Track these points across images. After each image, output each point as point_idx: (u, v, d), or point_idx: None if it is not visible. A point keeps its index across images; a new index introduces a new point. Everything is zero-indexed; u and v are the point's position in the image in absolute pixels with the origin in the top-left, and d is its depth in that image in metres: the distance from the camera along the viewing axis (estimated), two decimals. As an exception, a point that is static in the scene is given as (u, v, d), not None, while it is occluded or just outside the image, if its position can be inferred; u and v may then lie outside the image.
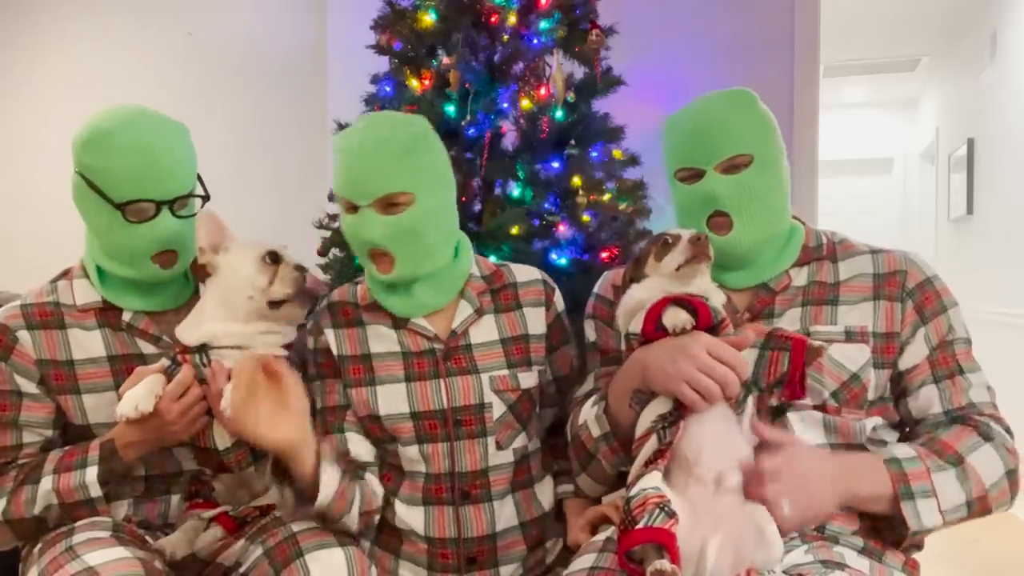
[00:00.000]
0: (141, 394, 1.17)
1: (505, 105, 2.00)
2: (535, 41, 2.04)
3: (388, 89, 2.14)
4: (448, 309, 1.32)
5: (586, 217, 2.07)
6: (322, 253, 2.20)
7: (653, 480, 1.01)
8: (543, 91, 2.05)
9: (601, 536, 1.24)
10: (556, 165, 2.04)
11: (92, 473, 1.22)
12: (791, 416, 1.18)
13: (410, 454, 1.29)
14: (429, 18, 2.06)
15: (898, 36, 4.99)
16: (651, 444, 1.06)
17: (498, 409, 1.29)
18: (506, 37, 2.05)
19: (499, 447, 1.30)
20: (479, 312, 1.33)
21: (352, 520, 1.23)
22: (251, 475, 1.33)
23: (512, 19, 2.03)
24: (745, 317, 1.24)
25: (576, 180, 2.06)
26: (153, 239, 1.25)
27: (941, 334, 1.21)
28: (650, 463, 1.04)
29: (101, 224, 1.27)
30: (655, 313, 1.12)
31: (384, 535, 1.33)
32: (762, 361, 1.17)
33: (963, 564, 3.01)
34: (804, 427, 1.18)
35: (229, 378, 1.17)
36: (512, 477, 1.32)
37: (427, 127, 1.28)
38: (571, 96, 2.14)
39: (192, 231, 1.29)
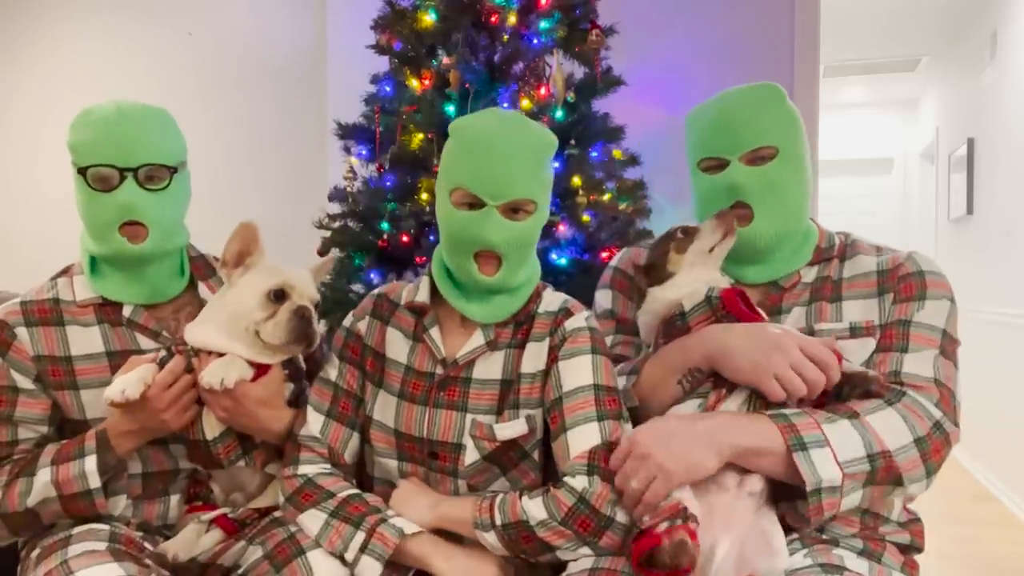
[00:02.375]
0: (130, 380, 1.18)
1: (505, 105, 2.00)
2: (535, 41, 2.04)
3: (388, 89, 2.14)
4: (464, 335, 1.27)
5: (586, 217, 2.07)
6: (322, 253, 2.20)
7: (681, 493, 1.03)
8: (543, 91, 2.05)
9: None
10: (556, 165, 2.04)
11: (91, 462, 1.21)
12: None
13: (388, 466, 1.28)
14: (429, 18, 2.06)
15: (898, 36, 4.99)
16: None
17: (471, 455, 1.21)
18: (506, 37, 2.05)
19: (471, 489, 1.24)
20: (491, 346, 1.24)
21: None
22: (243, 472, 1.33)
23: (512, 19, 2.03)
24: None
25: (576, 180, 2.06)
26: (116, 206, 1.25)
27: (904, 314, 1.17)
28: None
29: (79, 201, 1.29)
30: (734, 293, 1.15)
31: None
32: None
33: (962, 563, 3.01)
34: None
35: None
36: None
37: (555, 141, 1.25)
38: (571, 96, 2.15)
39: (169, 208, 1.30)
